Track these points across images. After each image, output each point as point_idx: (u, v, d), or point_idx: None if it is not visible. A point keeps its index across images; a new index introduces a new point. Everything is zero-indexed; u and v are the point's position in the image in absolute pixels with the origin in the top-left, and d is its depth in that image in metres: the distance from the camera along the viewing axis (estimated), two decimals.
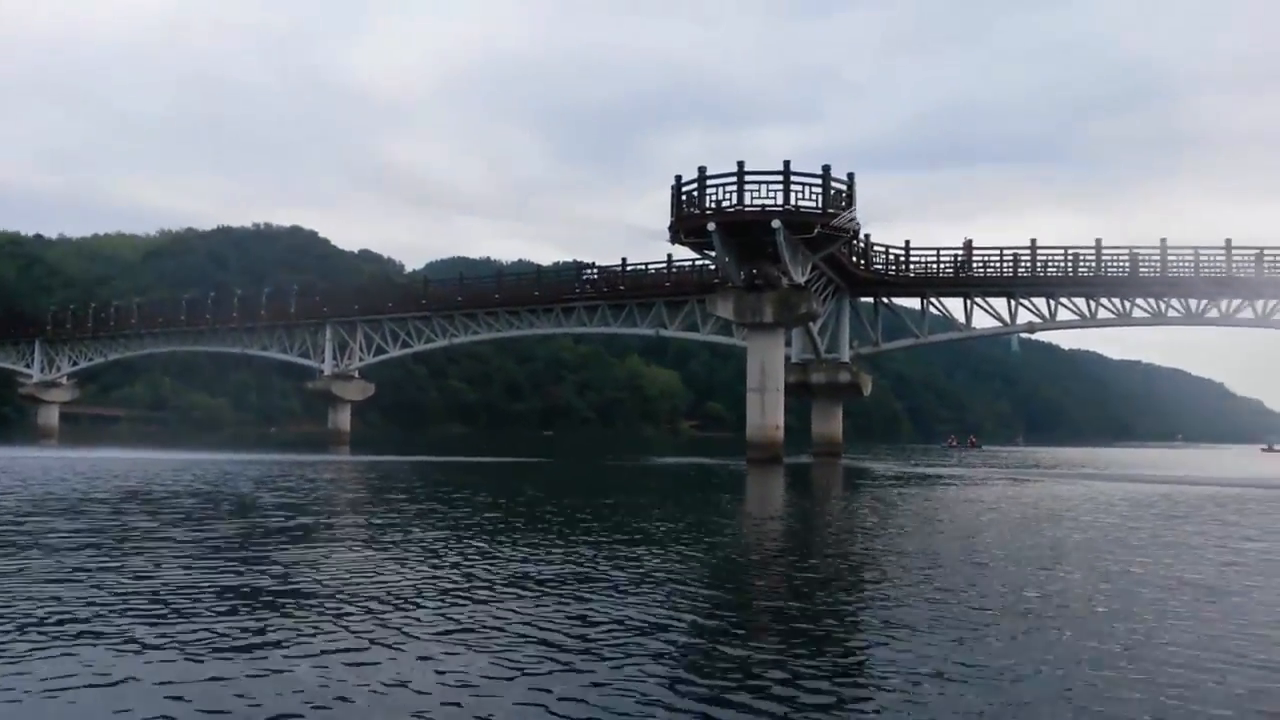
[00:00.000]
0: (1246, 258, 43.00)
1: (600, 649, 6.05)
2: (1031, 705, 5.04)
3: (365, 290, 69.52)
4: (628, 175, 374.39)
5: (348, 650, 5.88)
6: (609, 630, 6.64)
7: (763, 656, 6.01)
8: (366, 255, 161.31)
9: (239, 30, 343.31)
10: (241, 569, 9.01)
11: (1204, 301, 43.91)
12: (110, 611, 6.85)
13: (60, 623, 6.46)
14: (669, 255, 48.53)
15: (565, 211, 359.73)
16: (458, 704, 4.85)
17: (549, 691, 5.07)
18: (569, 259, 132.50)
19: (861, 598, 8.50)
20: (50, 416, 73.15)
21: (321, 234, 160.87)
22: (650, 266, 50.71)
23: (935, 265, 46.64)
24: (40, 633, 6.15)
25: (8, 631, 6.15)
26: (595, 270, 54.93)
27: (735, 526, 15.36)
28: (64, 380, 74.88)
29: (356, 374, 62.64)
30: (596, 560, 10.08)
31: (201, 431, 57.78)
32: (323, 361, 62.23)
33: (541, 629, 6.58)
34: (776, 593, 8.73)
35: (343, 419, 62.72)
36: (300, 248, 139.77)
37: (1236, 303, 43.61)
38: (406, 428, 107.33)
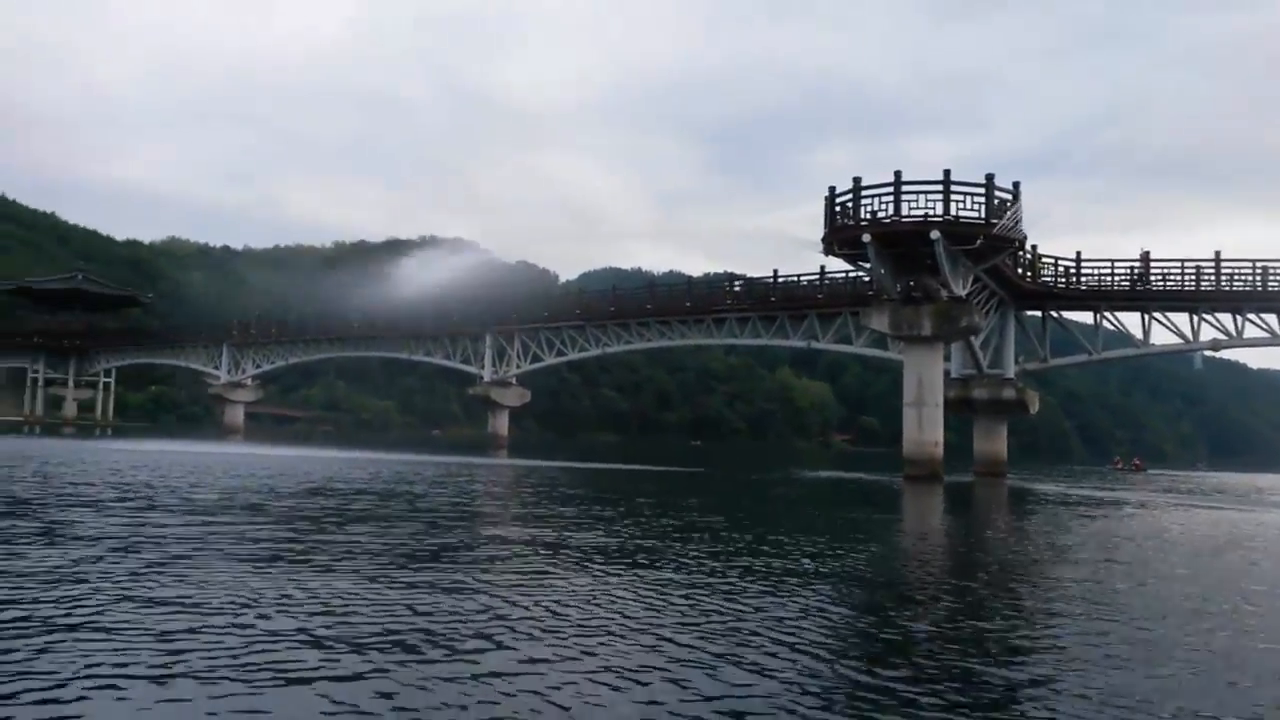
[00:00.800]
0: None
1: (746, 667, 6.04)
2: None
3: (523, 300, 71.80)
4: (777, 186, 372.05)
5: (529, 660, 6.05)
6: (757, 650, 6.62)
7: (913, 689, 5.87)
8: (524, 266, 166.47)
9: (404, 52, 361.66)
10: (421, 570, 9.45)
11: None
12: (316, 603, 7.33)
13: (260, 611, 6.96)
14: (821, 266, 48.02)
15: (714, 223, 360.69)
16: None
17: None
18: (719, 270, 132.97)
19: (1022, 630, 8.15)
20: (236, 415, 78.82)
21: (482, 245, 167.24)
22: (802, 278, 50.23)
23: (1109, 278, 44.14)
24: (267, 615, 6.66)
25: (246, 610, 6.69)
26: (742, 283, 54.84)
27: (893, 545, 14.98)
28: (248, 382, 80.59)
29: (514, 380, 64.70)
30: (748, 574, 10.05)
31: (371, 432, 60.99)
32: (483, 368, 64.58)
33: (687, 642, 6.63)
34: (934, 619, 8.48)
35: (501, 424, 64.86)
36: (462, 259, 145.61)
37: None
38: (559, 434, 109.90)
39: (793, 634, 7.15)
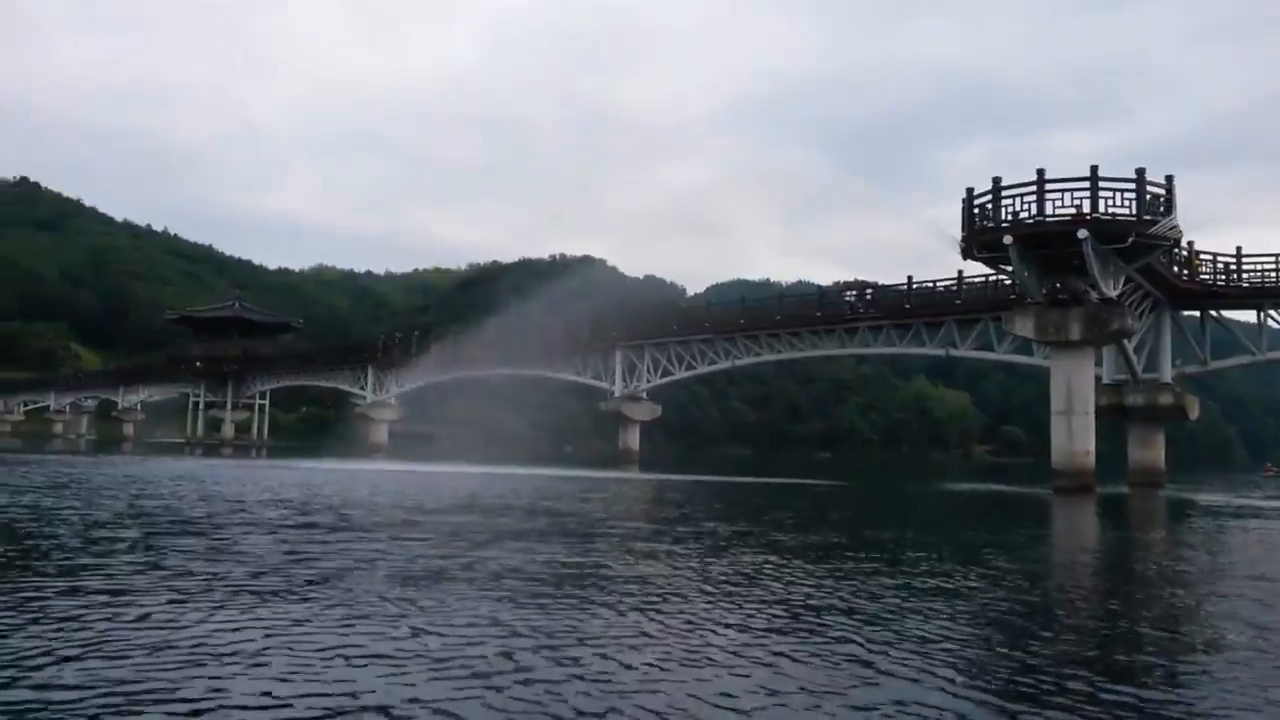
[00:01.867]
0: None
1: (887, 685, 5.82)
2: None
3: (652, 315, 72.18)
4: (909, 190, 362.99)
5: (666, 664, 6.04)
6: (894, 677, 6.36)
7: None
8: (651, 281, 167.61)
9: (534, 73, 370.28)
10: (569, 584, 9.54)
11: None
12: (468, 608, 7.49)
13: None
14: (959, 271, 46.36)
15: (844, 229, 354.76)
16: None
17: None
18: (849, 277, 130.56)
19: (1182, 655, 7.57)
20: (380, 434, 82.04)
21: (610, 262, 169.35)
22: (938, 284, 48.71)
23: (1274, 273, 41.10)
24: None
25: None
26: (874, 289, 53.60)
27: (1047, 562, 14.26)
28: (392, 401, 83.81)
29: (644, 395, 65.06)
30: (889, 593, 9.73)
31: (505, 448, 62.49)
32: (613, 383, 65.21)
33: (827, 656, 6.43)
34: (1086, 644, 7.99)
35: (632, 438, 65.28)
36: (591, 276, 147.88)
37: None
38: (690, 448, 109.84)
39: (931, 660, 6.85)
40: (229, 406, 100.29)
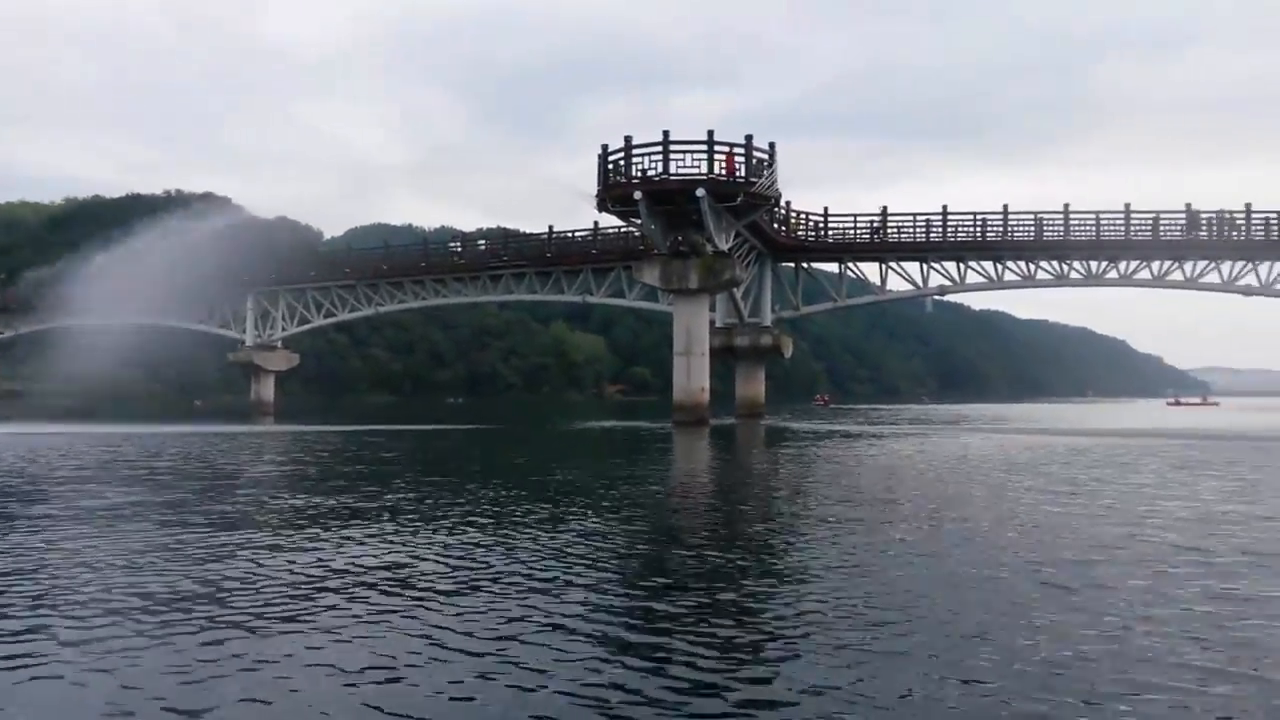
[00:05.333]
0: (1144, 222, 45.43)
1: (526, 611, 6.59)
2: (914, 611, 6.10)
3: (288, 259, 68.38)
4: (552, 139, 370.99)
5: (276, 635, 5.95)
6: (537, 591, 7.47)
7: (681, 609, 6.97)
8: (284, 222, 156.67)
9: None
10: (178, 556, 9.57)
11: (1104, 263, 46.34)
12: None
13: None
14: (595, 222, 49.13)
15: (488, 176, 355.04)
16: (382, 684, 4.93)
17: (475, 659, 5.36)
18: (493, 225, 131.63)
19: (783, 546, 9.55)
20: None
21: (236, 200, 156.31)
22: (576, 234, 51.28)
23: (853, 231, 48.15)
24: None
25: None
26: (518, 238, 55.16)
27: (666, 484, 16.35)
28: None
29: (279, 344, 61.94)
30: (529, 523, 10.89)
31: (119, 405, 56.60)
32: (244, 332, 61.37)
33: (463, 596, 7.23)
34: (704, 546, 9.72)
35: (266, 390, 62.00)
36: (217, 215, 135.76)
37: (1135, 264, 46.14)
38: (330, 397, 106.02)
39: (565, 578, 8.06)
40: None
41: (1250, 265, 44.80)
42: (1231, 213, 44.67)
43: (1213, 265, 45.22)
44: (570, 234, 51.41)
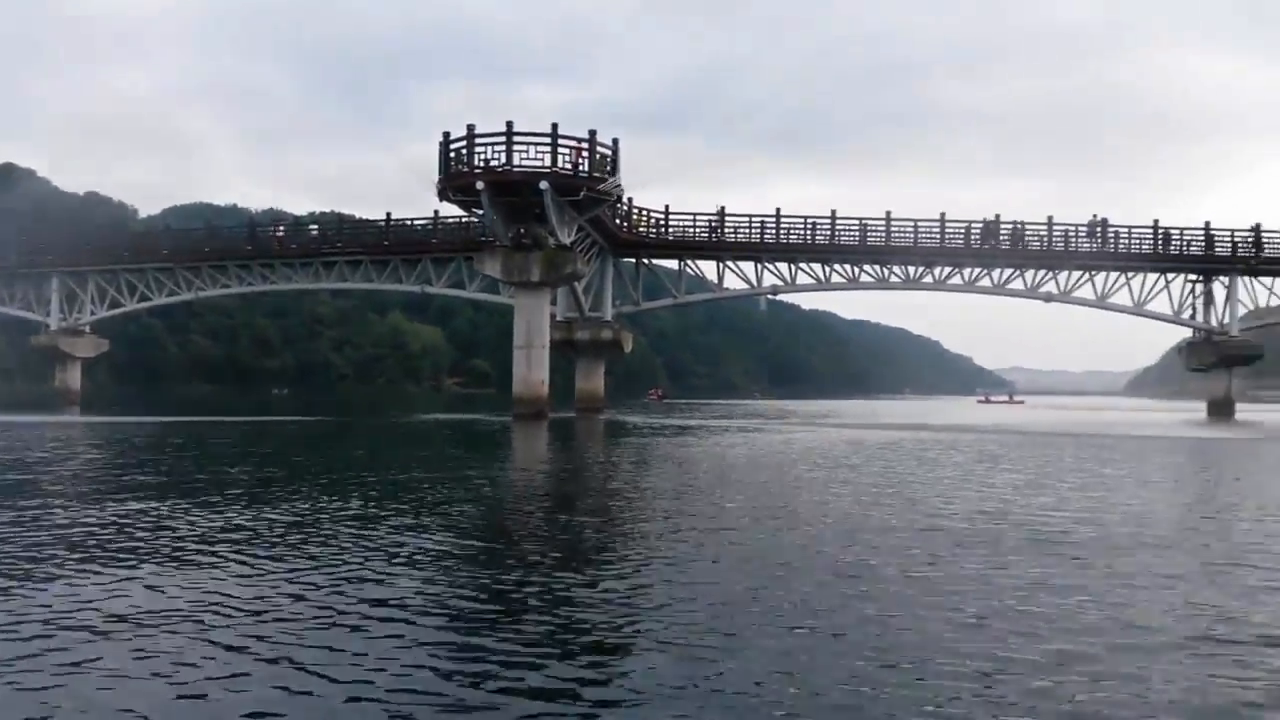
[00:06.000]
0: (958, 230, 48.62)
1: (345, 603, 6.59)
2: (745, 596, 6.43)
3: (98, 237, 63.80)
4: (391, 124, 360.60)
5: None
6: (359, 582, 7.43)
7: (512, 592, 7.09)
8: (94, 199, 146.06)
9: None
10: None
11: (921, 268, 49.32)
12: None
13: None
14: (435, 211, 48.27)
15: (322, 159, 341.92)
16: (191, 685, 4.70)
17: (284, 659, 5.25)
18: (326, 210, 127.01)
19: (611, 540, 9.79)
20: None
21: (40, 173, 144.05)
22: (415, 222, 50.21)
23: (692, 230, 49.30)
24: None
25: None
26: (354, 225, 53.52)
27: (501, 479, 16.35)
28: None
29: (87, 329, 57.72)
30: (359, 516, 10.71)
31: None
32: (48, 315, 56.85)
33: (285, 590, 7.07)
34: (534, 536, 9.85)
35: (72, 377, 57.64)
36: (14, 188, 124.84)
37: (948, 270, 49.33)
38: (143, 386, 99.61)
39: (399, 575, 8.04)
40: None
41: (1050, 274, 48.73)
42: (1025, 224, 48.51)
43: (1018, 273, 48.93)
44: (409, 222, 50.32)
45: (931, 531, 9.60)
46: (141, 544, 8.32)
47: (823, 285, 50.69)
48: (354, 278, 52.47)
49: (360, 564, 7.59)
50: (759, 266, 49.77)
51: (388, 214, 50.64)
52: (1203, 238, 48.43)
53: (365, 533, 9.14)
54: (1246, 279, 48.93)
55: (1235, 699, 4.59)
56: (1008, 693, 4.62)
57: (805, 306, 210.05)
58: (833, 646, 5.38)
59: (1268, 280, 49.50)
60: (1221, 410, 49.49)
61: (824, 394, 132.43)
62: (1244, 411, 52.74)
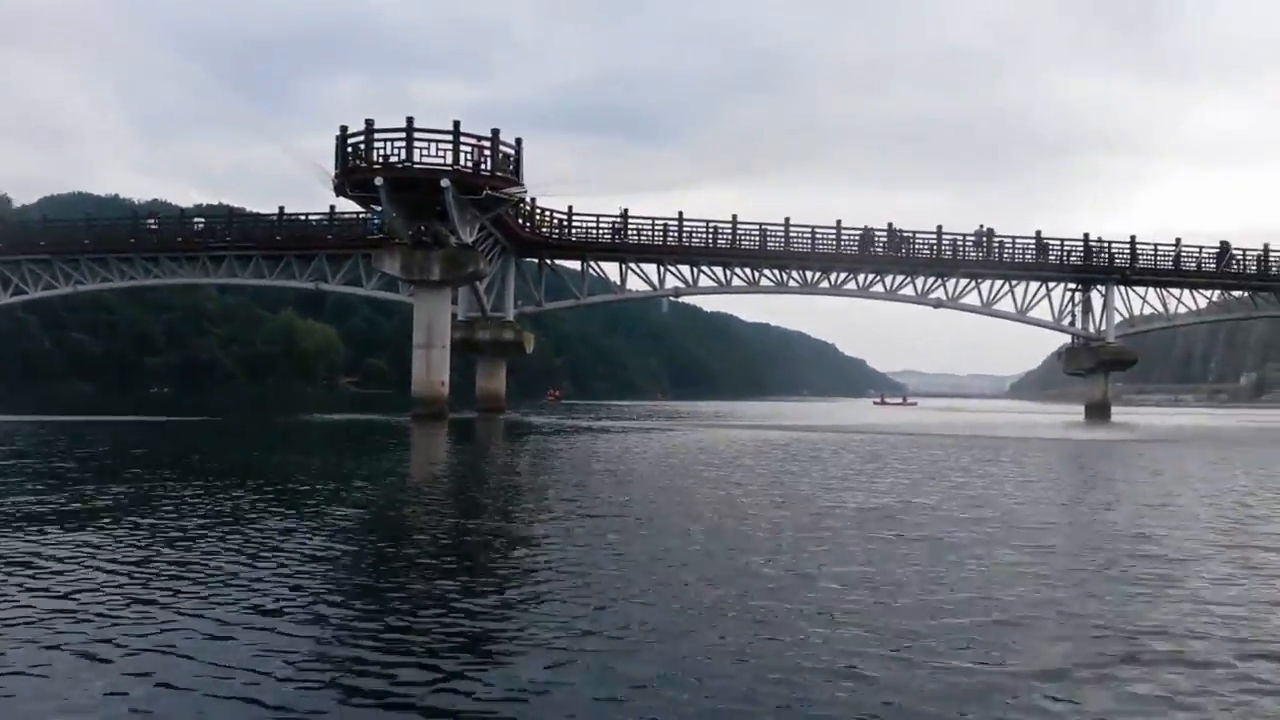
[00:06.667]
0: (852, 237, 49.86)
1: (241, 605, 6.33)
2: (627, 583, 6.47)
3: None
4: (284, 116, 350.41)
5: None
6: (254, 587, 7.20)
7: (409, 596, 6.98)
8: None
9: None
10: None
11: (818, 273, 50.45)
12: None
13: None
14: (331, 206, 46.95)
15: (211, 151, 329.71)
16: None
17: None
18: (215, 202, 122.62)
19: (503, 539, 9.73)
20: None
21: None
22: (310, 217, 48.88)
23: (595, 231, 49.30)
24: None
25: None
26: (245, 218, 51.79)
27: (394, 481, 16.05)
28: None
29: None
30: (247, 518, 10.33)
31: None
32: None
33: (170, 595, 6.75)
34: (430, 539, 9.72)
35: None
36: None
37: (844, 275, 50.60)
38: (14, 384, 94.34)
39: (294, 579, 7.83)
40: None
41: (940, 281, 50.45)
42: (916, 233, 50.21)
43: (909, 280, 50.50)
44: (304, 217, 48.93)
45: (818, 529, 9.83)
46: None
47: (723, 288, 51.34)
48: (244, 273, 50.73)
49: (228, 569, 7.25)
50: (661, 269, 50.10)
51: (280, 208, 49.17)
52: (1082, 249, 50.88)
53: (236, 537, 8.72)
54: (1122, 288, 51.62)
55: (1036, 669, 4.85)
56: (873, 677, 4.78)
57: (707, 309, 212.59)
58: (717, 645, 5.45)
59: (1141, 290, 52.38)
60: (1098, 413, 52.01)
61: (724, 395, 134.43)
62: (1119, 414, 55.59)
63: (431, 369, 36.43)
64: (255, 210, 66.77)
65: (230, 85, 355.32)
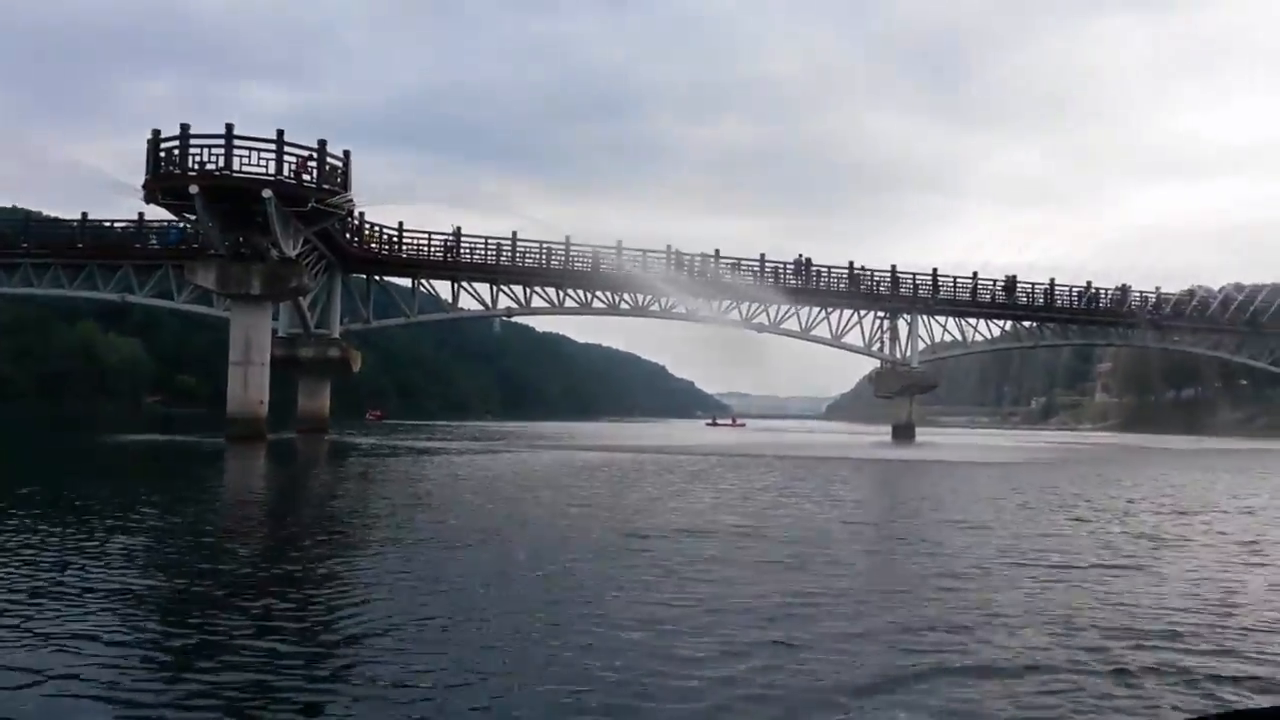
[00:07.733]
0: (684, 262, 51.30)
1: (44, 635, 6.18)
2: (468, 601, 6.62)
3: None
4: (86, 117, 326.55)
5: None
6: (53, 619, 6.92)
7: (224, 626, 6.89)
8: None
9: None
10: None
11: (649, 296, 51.56)
12: None
13: None
14: (140, 214, 44.15)
15: (6, 150, 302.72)
16: None
17: None
18: (6, 205, 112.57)
19: (331, 564, 9.64)
20: None
21: None
22: (116, 224, 45.85)
23: (427, 248, 48.57)
24: None
25: None
26: (42, 223, 48.09)
27: (210, 505, 15.42)
28: None
29: None
30: (20, 555, 9.55)
31: None
32: None
33: None
34: (247, 564, 9.50)
35: None
36: None
37: (673, 300, 51.94)
38: None
39: (102, 616, 7.52)
40: None
41: (762, 306, 52.59)
42: (741, 260, 52.35)
43: (734, 304, 52.40)
44: (109, 224, 45.84)
45: (629, 546, 10.23)
46: None
47: (556, 309, 51.66)
48: (41, 283, 46.97)
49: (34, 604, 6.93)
50: (494, 288, 49.89)
51: (83, 214, 45.87)
52: (889, 279, 54.30)
53: (14, 572, 8.15)
54: (925, 317, 55.39)
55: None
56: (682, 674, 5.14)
57: (539, 329, 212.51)
58: (530, 661, 5.70)
59: (942, 319, 56.37)
60: (904, 433, 55.42)
61: (555, 416, 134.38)
62: (923, 434, 59.41)
63: (249, 387, 34.87)
64: (54, 215, 61.82)
65: (25, 80, 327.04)
